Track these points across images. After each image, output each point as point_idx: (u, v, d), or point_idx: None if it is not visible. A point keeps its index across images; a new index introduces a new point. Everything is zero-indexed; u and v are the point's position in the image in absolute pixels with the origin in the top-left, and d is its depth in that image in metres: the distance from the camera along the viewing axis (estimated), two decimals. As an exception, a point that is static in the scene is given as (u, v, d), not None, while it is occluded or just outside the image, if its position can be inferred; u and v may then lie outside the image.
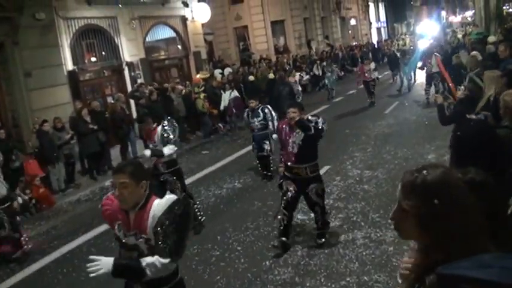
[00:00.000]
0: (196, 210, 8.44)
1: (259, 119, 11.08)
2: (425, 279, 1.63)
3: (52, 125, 13.01)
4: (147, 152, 8.42)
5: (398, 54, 24.77)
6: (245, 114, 11.76)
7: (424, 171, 1.68)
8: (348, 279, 6.15)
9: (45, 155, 12.47)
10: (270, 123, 10.98)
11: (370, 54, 37.00)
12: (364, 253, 6.78)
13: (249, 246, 7.64)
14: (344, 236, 7.45)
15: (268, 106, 11.54)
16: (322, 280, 6.22)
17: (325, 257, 6.84)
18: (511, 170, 2.98)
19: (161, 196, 8.12)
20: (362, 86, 20.05)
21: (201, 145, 16.52)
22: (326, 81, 23.56)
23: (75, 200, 12.16)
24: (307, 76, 22.47)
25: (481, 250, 1.57)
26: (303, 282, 6.26)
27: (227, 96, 17.73)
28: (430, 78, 17.75)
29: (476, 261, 1.50)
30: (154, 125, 8.45)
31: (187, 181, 12.05)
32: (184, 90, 17.95)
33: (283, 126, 7.29)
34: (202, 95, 17.45)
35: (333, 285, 6.06)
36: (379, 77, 21.05)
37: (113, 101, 16.39)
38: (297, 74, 21.09)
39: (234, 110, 17.47)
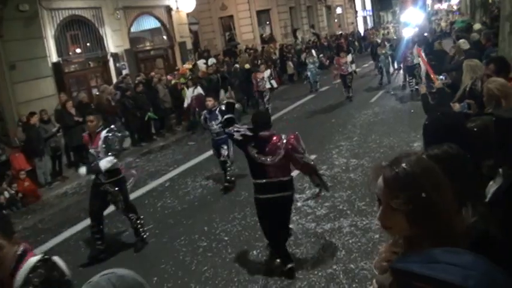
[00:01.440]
0: (140, 226, 7.78)
1: (218, 121, 9.66)
2: None
3: (39, 117, 12.93)
4: (82, 170, 7.57)
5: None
6: (202, 117, 10.43)
7: (403, 164, 1.67)
8: (334, 267, 6.21)
9: (32, 148, 12.38)
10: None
11: (357, 43, 37.06)
12: (350, 241, 6.84)
13: (236, 236, 7.68)
14: (330, 225, 7.50)
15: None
16: (309, 268, 6.27)
17: (311, 246, 6.90)
18: (488, 162, 3.02)
19: (104, 207, 7.52)
20: (339, 80, 19.20)
21: (187, 136, 16.50)
22: (308, 73, 22.37)
23: (62, 193, 12.12)
24: (271, 79, 19.07)
25: (461, 229, 1.61)
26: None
27: (190, 94, 16.60)
28: (411, 69, 17.49)
29: (426, 256, 1.51)
30: (100, 128, 7.44)
31: (174, 172, 12.11)
32: (173, 80, 17.94)
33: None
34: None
35: (320, 274, 6.11)
36: (357, 70, 20.43)
37: (97, 93, 16.30)
38: (268, 70, 19.11)
39: (197, 108, 16.04)
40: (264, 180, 6.05)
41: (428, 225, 1.63)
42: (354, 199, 8.35)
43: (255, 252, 7.00)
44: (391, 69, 22.55)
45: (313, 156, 11.19)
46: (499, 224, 2.14)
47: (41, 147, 12.54)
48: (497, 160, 3.03)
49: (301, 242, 7.07)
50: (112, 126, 7.80)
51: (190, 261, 7.04)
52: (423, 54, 13.99)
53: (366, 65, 26.90)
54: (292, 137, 5.98)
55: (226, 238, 7.67)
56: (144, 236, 7.83)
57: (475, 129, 3.30)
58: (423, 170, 1.65)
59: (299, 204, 8.49)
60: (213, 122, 9.92)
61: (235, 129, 6.27)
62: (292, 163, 6.15)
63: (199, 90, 16.38)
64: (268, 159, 5.95)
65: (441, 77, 7.57)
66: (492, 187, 2.81)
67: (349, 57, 18.79)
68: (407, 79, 18.34)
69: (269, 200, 6.09)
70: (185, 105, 16.76)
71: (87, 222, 9.01)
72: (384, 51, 21.16)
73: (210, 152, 13.57)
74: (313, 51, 24.52)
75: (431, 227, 1.62)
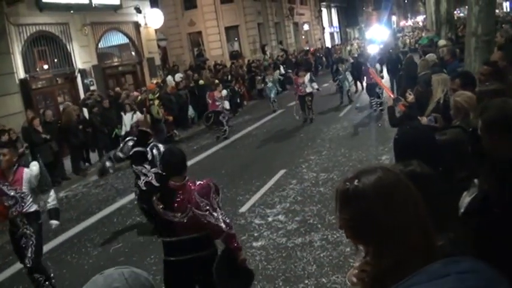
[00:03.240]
0: None
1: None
2: None
3: (7, 137, 12.57)
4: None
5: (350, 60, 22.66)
6: (129, 143, 8.11)
7: (356, 181, 1.62)
8: (306, 281, 6.21)
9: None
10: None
11: (324, 59, 37.50)
12: (321, 255, 6.85)
13: (207, 253, 7.61)
14: (301, 239, 7.51)
15: (159, 145, 7.90)
16: (281, 284, 6.25)
17: (283, 261, 6.88)
18: (461, 174, 3.09)
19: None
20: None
21: (157, 152, 16.34)
22: (268, 92, 21.32)
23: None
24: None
25: (428, 246, 1.55)
26: (261, 287, 6.27)
27: (128, 120, 14.79)
28: (373, 88, 16.31)
29: (430, 272, 1.45)
30: (16, 165, 6.41)
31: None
32: (140, 97, 17.79)
33: None
34: (157, 102, 17.32)
35: (292, 289, 6.11)
36: (319, 88, 18.59)
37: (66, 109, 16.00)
38: (224, 90, 17.58)
39: None
40: (172, 239, 4.67)
41: (370, 243, 1.61)
42: (325, 213, 8.38)
43: (226, 268, 6.95)
44: (353, 88, 21.57)
45: (282, 171, 11.32)
46: (469, 248, 2.15)
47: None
48: (472, 171, 3.09)
49: (273, 257, 7.05)
50: (34, 161, 6.77)
51: (161, 280, 6.91)
52: (376, 74, 14.08)
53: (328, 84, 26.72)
54: (197, 189, 4.54)
55: (197, 255, 7.59)
56: None
57: (445, 142, 3.37)
58: (377, 189, 1.58)
59: (270, 219, 8.50)
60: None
61: (143, 171, 5.03)
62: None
63: (138, 115, 14.68)
64: (177, 217, 4.50)
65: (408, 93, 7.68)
66: (466, 198, 2.86)
67: (308, 77, 17.29)
68: (369, 99, 17.41)
69: (180, 264, 4.69)
70: (122, 133, 14.87)
71: (56, 242, 8.90)
72: (344, 67, 20.19)
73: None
74: (282, 68, 24.54)
75: (374, 246, 1.60)
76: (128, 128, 14.64)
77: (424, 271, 1.46)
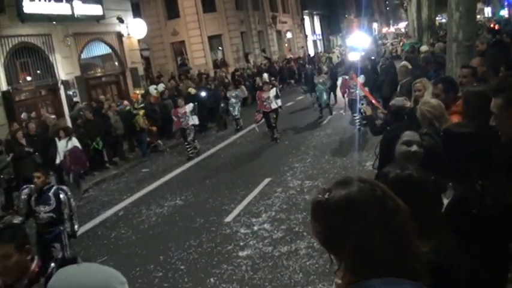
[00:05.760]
0: None
1: (49, 208, 6.93)
2: None
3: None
4: None
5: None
6: (23, 196, 7.11)
7: (327, 194, 1.59)
8: (292, 290, 6.21)
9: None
10: (66, 222, 7.06)
11: (307, 66, 37.66)
12: (307, 263, 6.85)
13: (192, 265, 7.57)
14: (287, 247, 7.50)
15: (65, 189, 7.23)
16: (267, 293, 6.24)
17: (269, 270, 6.86)
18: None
19: None
20: (261, 121, 16.29)
21: (141, 163, 16.26)
22: (230, 109, 19.80)
23: (13, 227, 11.67)
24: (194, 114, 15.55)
25: (403, 261, 1.52)
26: (248, 297, 6.26)
27: (62, 147, 13.08)
28: (354, 103, 14.61)
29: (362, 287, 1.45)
30: None
31: (128, 201, 11.85)
32: (128, 107, 17.60)
33: None
34: (141, 112, 17.21)
35: (278, 298, 6.09)
36: (282, 107, 16.53)
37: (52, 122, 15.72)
38: (190, 104, 15.79)
39: (72, 167, 13.13)
40: None
41: (342, 257, 1.60)
42: (310, 221, 8.33)
43: (212, 280, 6.91)
44: (332, 101, 19.77)
45: (267, 179, 11.31)
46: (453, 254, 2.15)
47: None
48: (446, 174, 3.10)
49: (259, 266, 7.03)
50: None
51: (146, 292, 6.90)
52: (360, 81, 13.80)
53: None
54: None
55: (182, 267, 7.54)
56: None
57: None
58: (345, 205, 1.55)
59: (255, 228, 8.48)
60: (42, 208, 6.99)
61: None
62: None
63: (74, 142, 13.22)
64: None
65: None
66: (444, 200, 2.86)
67: (273, 92, 15.94)
68: (352, 115, 15.87)
69: None
70: (57, 161, 13.11)
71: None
72: (321, 80, 18.52)
73: (164, 179, 13.49)
74: (265, 75, 24.33)
75: (346, 260, 1.58)
76: (62, 157, 13.01)
77: (362, 284, 1.47)
